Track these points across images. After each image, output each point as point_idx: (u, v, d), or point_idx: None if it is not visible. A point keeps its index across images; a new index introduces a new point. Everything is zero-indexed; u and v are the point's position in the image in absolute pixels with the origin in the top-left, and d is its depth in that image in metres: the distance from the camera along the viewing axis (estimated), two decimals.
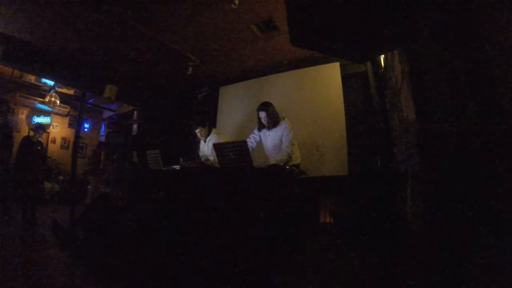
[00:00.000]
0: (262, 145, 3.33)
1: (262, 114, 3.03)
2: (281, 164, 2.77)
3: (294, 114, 4.51)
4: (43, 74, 5.78)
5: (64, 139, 7.91)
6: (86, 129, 8.35)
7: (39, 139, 4.42)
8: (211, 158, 3.36)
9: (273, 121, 3.00)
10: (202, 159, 3.48)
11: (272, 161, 2.78)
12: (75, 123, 3.62)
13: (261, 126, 3.16)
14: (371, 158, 3.61)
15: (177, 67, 4.84)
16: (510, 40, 0.88)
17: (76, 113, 6.85)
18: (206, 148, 3.60)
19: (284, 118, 3.10)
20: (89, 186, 6.10)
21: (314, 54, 4.29)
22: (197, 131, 3.57)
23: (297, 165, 3.00)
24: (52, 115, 7.50)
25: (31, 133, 4.35)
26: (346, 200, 3.46)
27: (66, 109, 7.57)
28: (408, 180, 1.66)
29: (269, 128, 3.08)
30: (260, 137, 3.26)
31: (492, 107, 0.90)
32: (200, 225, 2.44)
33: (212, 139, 3.49)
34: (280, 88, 4.78)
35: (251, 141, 3.24)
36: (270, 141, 3.09)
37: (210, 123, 3.59)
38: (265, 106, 3.05)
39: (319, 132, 4.28)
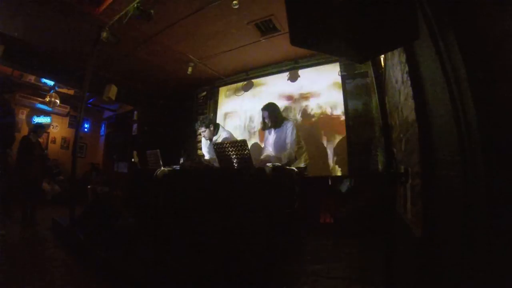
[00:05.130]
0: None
1: (265, 114, 3.09)
2: (284, 162, 2.79)
3: (294, 114, 4.53)
4: (43, 74, 5.79)
5: (64, 139, 7.90)
6: (86, 129, 8.34)
7: (38, 139, 4.41)
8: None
9: (276, 121, 3.03)
10: (204, 158, 3.49)
11: (274, 161, 2.78)
12: (75, 123, 3.61)
13: (264, 126, 3.19)
14: (371, 158, 3.62)
15: (177, 67, 4.84)
16: (510, 39, 0.88)
17: (76, 113, 6.85)
18: (210, 146, 3.60)
19: (287, 118, 3.13)
20: (89, 186, 6.10)
21: (314, 54, 4.29)
22: (201, 131, 3.57)
23: (303, 168, 2.98)
24: (52, 115, 7.49)
25: (31, 133, 4.34)
26: (346, 200, 3.47)
27: (66, 109, 7.56)
28: (408, 180, 1.66)
29: (272, 128, 3.10)
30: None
31: (493, 107, 0.90)
32: (200, 225, 2.44)
33: (222, 135, 3.47)
34: (280, 88, 4.78)
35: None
36: (273, 141, 3.10)
37: (214, 124, 3.57)
38: (268, 106, 3.10)
39: (319, 132, 4.28)
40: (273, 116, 3.04)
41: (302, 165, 3.01)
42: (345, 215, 3.26)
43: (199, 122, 3.54)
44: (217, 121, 5.38)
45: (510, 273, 0.80)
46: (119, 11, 3.17)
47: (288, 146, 2.92)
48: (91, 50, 3.55)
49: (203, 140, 3.76)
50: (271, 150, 3.15)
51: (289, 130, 2.97)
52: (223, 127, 3.64)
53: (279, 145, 3.02)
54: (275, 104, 3.17)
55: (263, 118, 3.14)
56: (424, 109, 1.40)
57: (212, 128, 3.46)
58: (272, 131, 3.12)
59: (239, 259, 2.02)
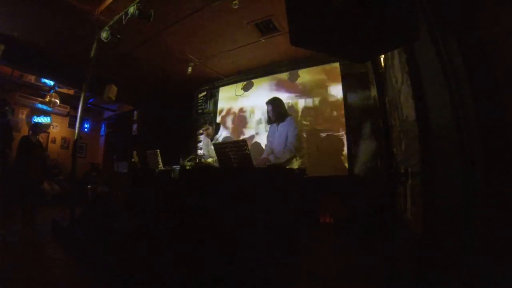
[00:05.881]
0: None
1: (269, 108, 3.15)
2: (285, 159, 2.83)
3: (294, 114, 4.53)
4: (43, 74, 5.79)
5: (64, 139, 7.90)
6: (86, 129, 8.34)
7: (38, 138, 4.40)
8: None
9: (278, 115, 3.09)
10: (204, 158, 3.50)
11: (274, 160, 2.81)
12: (75, 123, 3.62)
13: (269, 120, 3.25)
14: (371, 158, 3.61)
15: (177, 67, 4.84)
16: (510, 39, 0.88)
17: (76, 113, 6.86)
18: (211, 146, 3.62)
19: (291, 114, 3.17)
20: (89, 186, 6.10)
21: (314, 54, 4.29)
22: (203, 130, 3.59)
23: (303, 169, 2.99)
24: (52, 115, 7.49)
25: (30, 133, 4.33)
26: (346, 200, 3.46)
27: (66, 109, 7.56)
28: (408, 180, 1.66)
29: (276, 123, 3.13)
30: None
31: (492, 107, 0.90)
32: (199, 225, 2.44)
33: (223, 134, 3.50)
34: (280, 88, 4.78)
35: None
36: (277, 137, 3.13)
37: (216, 122, 3.62)
38: (272, 100, 3.18)
39: (319, 132, 4.28)
40: (276, 110, 3.08)
41: (303, 166, 3.03)
42: (345, 215, 3.25)
43: (203, 119, 3.58)
44: (217, 121, 5.41)
45: (510, 273, 0.80)
46: (119, 11, 3.17)
47: (289, 142, 2.95)
48: (91, 50, 3.55)
49: (203, 139, 3.77)
50: (273, 145, 3.18)
51: (291, 127, 3.00)
52: (223, 127, 3.66)
53: (282, 140, 3.04)
54: (279, 99, 3.23)
55: (268, 112, 3.20)
56: (424, 109, 1.39)
57: (214, 126, 3.50)
58: (276, 125, 3.16)
59: (239, 259, 2.02)
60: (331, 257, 2.32)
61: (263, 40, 4.00)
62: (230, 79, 5.46)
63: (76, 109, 7.14)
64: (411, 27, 0.96)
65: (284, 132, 3.04)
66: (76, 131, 3.59)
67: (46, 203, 5.59)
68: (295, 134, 2.97)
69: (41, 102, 6.96)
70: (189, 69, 4.73)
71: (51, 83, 6.68)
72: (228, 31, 3.79)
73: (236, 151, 2.35)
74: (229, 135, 3.51)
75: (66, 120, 7.90)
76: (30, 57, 4.45)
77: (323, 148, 4.14)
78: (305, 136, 4.29)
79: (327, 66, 4.39)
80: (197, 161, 3.23)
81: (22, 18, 3.58)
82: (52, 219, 3.63)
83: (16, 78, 6.37)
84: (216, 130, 3.54)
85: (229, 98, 5.48)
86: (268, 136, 3.40)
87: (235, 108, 5.34)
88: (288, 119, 3.08)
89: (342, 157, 3.99)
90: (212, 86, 5.76)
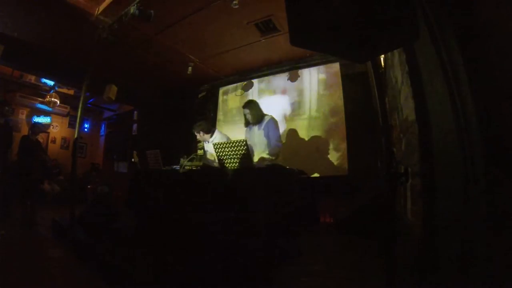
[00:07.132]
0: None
1: (246, 111, 3.20)
2: (272, 158, 2.91)
3: (294, 114, 4.53)
4: (43, 74, 5.79)
5: (64, 139, 7.90)
6: (86, 129, 8.34)
7: (38, 138, 4.40)
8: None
9: (256, 117, 3.15)
10: (208, 158, 3.50)
11: (265, 155, 2.86)
12: (75, 123, 3.62)
13: (247, 123, 3.30)
14: (371, 158, 3.61)
15: (177, 67, 4.84)
16: (510, 40, 0.88)
17: (76, 113, 6.85)
18: (210, 147, 3.60)
19: (268, 114, 3.23)
20: (89, 186, 6.10)
21: (314, 54, 4.29)
22: (195, 133, 3.59)
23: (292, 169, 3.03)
24: (52, 115, 7.49)
25: (30, 133, 4.33)
26: (346, 200, 3.46)
27: (66, 109, 7.56)
28: (408, 180, 1.66)
29: (254, 124, 3.17)
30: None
31: (492, 107, 0.90)
32: (199, 225, 2.44)
33: (217, 138, 3.48)
34: (280, 88, 4.78)
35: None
36: (257, 137, 3.17)
37: (207, 129, 3.55)
38: (248, 103, 3.26)
39: (319, 132, 4.28)
40: (254, 112, 3.15)
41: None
42: (345, 215, 3.25)
43: (197, 125, 3.55)
44: (217, 121, 5.40)
45: (510, 273, 0.80)
46: (119, 11, 3.17)
47: (273, 141, 3.00)
48: (91, 50, 3.55)
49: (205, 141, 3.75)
50: (253, 147, 3.19)
51: (271, 125, 3.08)
52: (219, 131, 3.63)
53: (263, 141, 3.08)
54: (255, 101, 3.32)
55: (245, 115, 3.26)
56: (424, 109, 1.40)
57: (202, 134, 3.47)
58: (254, 127, 3.20)
59: (239, 259, 2.02)
60: (331, 257, 2.31)
61: (263, 40, 4.00)
62: (230, 79, 5.46)
63: (76, 109, 7.16)
64: (411, 27, 0.96)
65: (265, 132, 3.10)
66: (76, 131, 3.59)
67: (46, 203, 5.59)
68: (278, 134, 3.06)
69: (41, 102, 6.96)
70: (189, 69, 4.73)
71: (51, 83, 6.68)
72: (228, 31, 3.79)
73: (236, 151, 2.35)
74: (224, 139, 3.44)
75: (66, 120, 7.90)
76: (30, 57, 4.45)
77: (323, 148, 4.14)
78: (305, 135, 4.29)
79: (327, 66, 4.39)
80: (196, 161, 3.22)
81: (22, 18, 3.57)
82: (52, 219, 3.63)
83: (16, 78, 6.38)
84: (211, 135, 3.49)
85: (229, 98, 5.48)
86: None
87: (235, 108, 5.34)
88: (266, 119, 3.13)
89: (342, 157, 3.99)
90: (212, 86, 5.76)
